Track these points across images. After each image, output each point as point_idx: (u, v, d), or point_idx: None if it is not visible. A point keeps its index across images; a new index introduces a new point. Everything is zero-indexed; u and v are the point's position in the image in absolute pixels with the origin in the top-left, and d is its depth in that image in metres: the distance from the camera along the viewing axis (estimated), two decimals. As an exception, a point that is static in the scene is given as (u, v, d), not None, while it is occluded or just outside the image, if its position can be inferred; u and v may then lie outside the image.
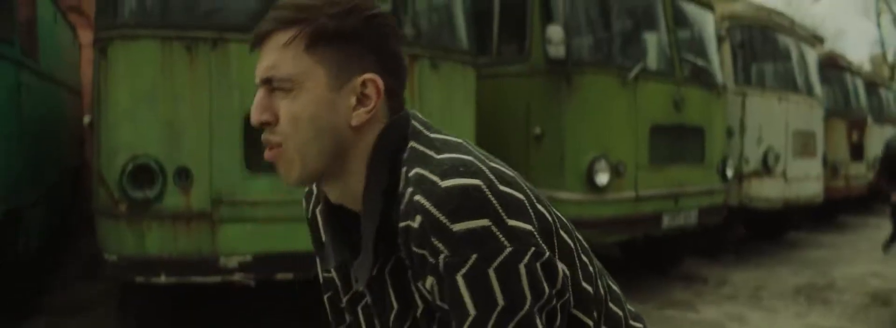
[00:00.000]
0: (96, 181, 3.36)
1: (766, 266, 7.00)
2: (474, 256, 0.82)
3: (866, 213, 12.56)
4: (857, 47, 52.30)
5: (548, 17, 4.70)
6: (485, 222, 0.82)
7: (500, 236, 0.83)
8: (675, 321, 4.77)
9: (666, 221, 5.23)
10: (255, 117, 0.94)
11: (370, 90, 0.93)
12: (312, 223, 1.13)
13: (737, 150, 6.74)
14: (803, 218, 9.55)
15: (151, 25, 3.31)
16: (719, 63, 6.29)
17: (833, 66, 10.23)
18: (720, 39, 6.51)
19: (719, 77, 6.13)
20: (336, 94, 0.92)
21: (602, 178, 4.71)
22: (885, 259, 7.47)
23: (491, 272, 0.82)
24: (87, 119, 3.62)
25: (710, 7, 6.14)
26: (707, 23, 6.12)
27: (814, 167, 8.31)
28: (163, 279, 3.15)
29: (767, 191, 7.13)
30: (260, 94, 0.94)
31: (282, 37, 0.92)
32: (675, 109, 5.29)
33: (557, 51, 4.36)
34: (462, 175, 0.84)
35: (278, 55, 0.92)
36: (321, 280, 1.17)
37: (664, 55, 5.39)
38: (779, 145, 7.25)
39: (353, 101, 0.92)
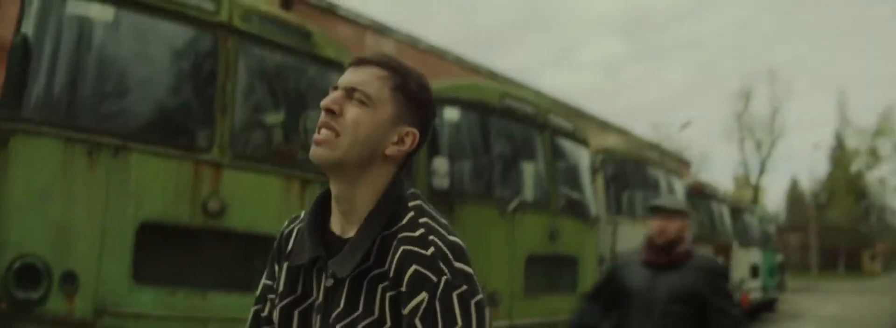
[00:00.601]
0: None
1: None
2: (465, 287, 1.19)
3: None
4: (722, 169, 57.49)
5: (432, 149, 5.11)
6: (471, 270, 1.23)
7: (477, 283, 1.23)
8: None
9: (541, 349, 5.54)
10: (331, 104, 1.26)
11: (408, 139, 1.28)
12: (283, 238, 1.40)
13: (607, 275, 7.25)
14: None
15: (56, 124, 3.29)
16: (592, 194, 6.91)
17: (699, 195, 11.26)
18: (594, 171, 7.18)
19: (592, 208, 6.73)
20: (389, 127, 1.27)
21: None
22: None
23: (472, 302, 1.19)
24: None
25: (585, 142, 6.82)
26: (582, 157, 6.78)
27: (679, 291, 8.97)
28: None
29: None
30: (339, 93, 1.27)
31: (379, 71, 1.28)
32: (550, 240, 5.77)
33: (442, 182, 4.78)
34: (458, 238, 1.25)
35: (371, 79, 1.27)
36: (258, 293, 1.42)
37: (541, 187, 5.92)
38: (647, 270, 7.85)
39: (395, 138, 1.27)
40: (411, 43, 15.94)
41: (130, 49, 3.59)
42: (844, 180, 48.32)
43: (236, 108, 3.64)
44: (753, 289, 14.33)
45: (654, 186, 8.74)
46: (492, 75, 15.14)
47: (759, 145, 48.89)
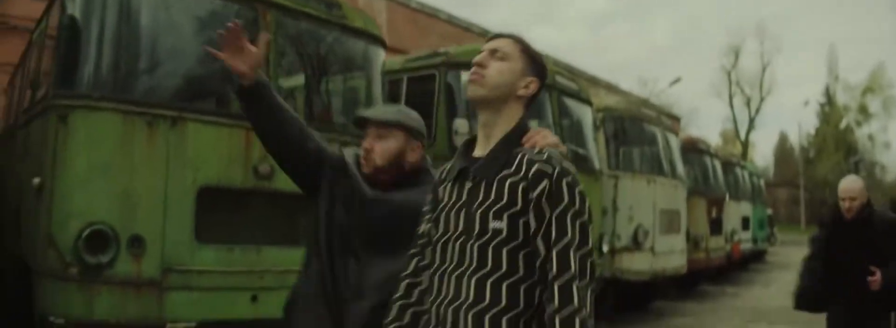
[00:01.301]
0: (43, 243, 3.45)
1: (637, 332, 7.92)
2: (571, 177, 1.64)
3: (724, 282, 14.03)
4: (710, 124, 57.53)
5: (452, 110, 5.48)
6: (574, 169, 1.68)
7: (578, 179, 1.67)
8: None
9: (549, 292, 5.99)
10: (480, 60, 1.76)
11: (532, 85, 1.78)
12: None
13: (610, 227, 7.71)
14: (669, 288, 10.73)
15: (112, 98, 3.51)
16: (595, 150, 7.31)
17: (693, 150, 11.71)
18: (596, 129, 7.58)
19: (596, 163, 7.14)
20: (521, 75, 1.76)
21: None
22: (746, 324, 8.58)
23: (577, 188, 1.64)
24: (36, 181, 3.64)
25: (588, 102, 7.20)
26: (586, 115, 7.17)
27: (678, 242, 9.49)
28: None
29: (637, 264, 8.15)
30: (485, 53, 1.76)
31: (510, 40, 1.81)
32: (559, 192, 6.16)
33: (462, 141, 5.13)
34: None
35: (506, 43, 1.79)
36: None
37: (550, 145, 6.30)
38: (648, 223, 8.33)
39: (524, 83, 1.76)
40: (403, 1, 16.07)
41: (176, 23, 3.86)
42: (833, 136, 49.08)
43: (279, 77, 3.96)
44: (744, 241, 14.92)
45: (651, 142, 9.16)
46: (484, 33, 15.35)
47: (748, 101, 49.61)
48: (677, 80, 29.56)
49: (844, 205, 4.17)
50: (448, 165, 1.85)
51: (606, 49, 72.53)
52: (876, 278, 3.93)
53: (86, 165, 3.44)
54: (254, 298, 3.77)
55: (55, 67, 3.72)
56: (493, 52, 1.76)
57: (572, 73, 7.02)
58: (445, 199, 1.78)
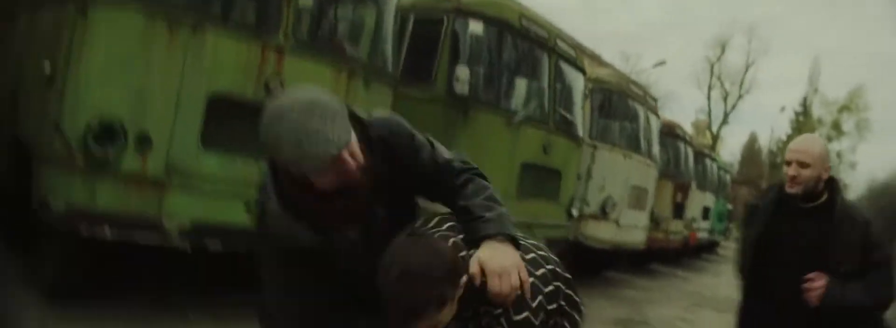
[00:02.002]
0: (50, 131, 3.53)
1: (588, 297, 8.22)
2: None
3: (676, 266, 14.61)
4: (685, 111, 58.14)
5: (455, 57, 5.67)
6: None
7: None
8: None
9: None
10: None
11: None
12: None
13: (581, 193, 8.03)
14: (623, 260, 11.20)
15: None
16: (581, 117, 7.59)
17: (671, 134, 12.08)
18: (585, 98, 7.84)
19: (580, 130, 7.42)
20: None
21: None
22: (692, 308, 9.04)
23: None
24: (47, 67, 3.66)
25: (583, 70, 7.44)
26: (578, 82, 7.42)
27: (642, 218, 9.90)
28: (107, 233, 3.51)
29: (601, 232, 8.52)
30: None
31: None
32: (543, 152, 6.46)
33: (463, 88, 5.36)
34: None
35: None
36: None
37: (542, 105, 6.56)
38: (617, 195, 8.68)
39: None
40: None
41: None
42: (803, 146, 50.00)
43: (302, 0, 4.11)
44: (702, 230, 15.47)
45: (633, 119, 9.47)
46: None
47: (726, 96, 50.45)
48: (662, 63, 29.89)
49: (788, 171, 2.82)
50: None
51: (595, 19, 72.26)
52: (817, 286, 2.75)
53: (103, 59, 3.50)
54: (248, 207, 3.95)
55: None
56: None
57: (570, 41, 7.21)
58: None
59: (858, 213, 2.83)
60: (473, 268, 1.69)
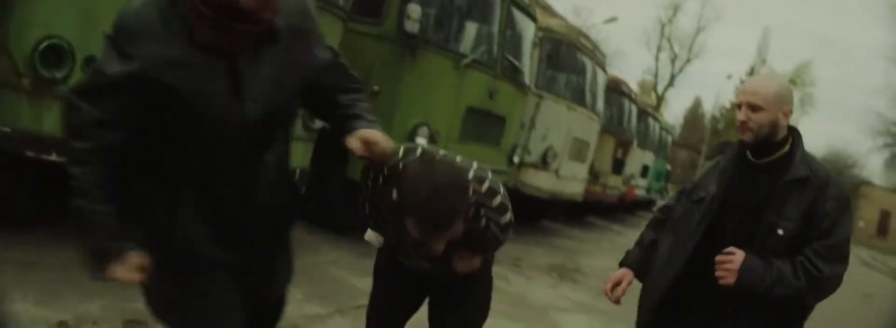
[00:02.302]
0: None
1: (524, 244, 8.68)
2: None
3: (611, 220, 15.19)
4: (632, 70, 59.24)
5: (407, -5, 5.73)
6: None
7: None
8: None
9: (459, 188, 6.53)
10: None
11: None
12: None
13: (522, 141, 8.27)
14: (559, 211, 11.62)
15: None
16: (529, 66, 7.77)
17: (617, 91, 12.40)
18: (534, 46, 8.01)
19: (526, 78, 7.61)
20: None
21: (420, 142, 5.87)
22: (622, 258, 9.49)
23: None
24: None
25: (534, 19, 7.59)
26: (529, 30, 7.57)
27: (582, 171, 10.26)
28: (54, 157, 3.45)
29: (541, 181, 8.82)
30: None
31: None
32: (488, 97, 6.64)
33: (413, 26, 5.45)
34: None
35: None
36: None
37: (491, 50, 6.70)
38: (558, 146, 8.97)
39: None
40: None
41: None
42: (746, 115, 51.63)
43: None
44: (639, 187, 16.04)
45: (580, 72, 9.70)
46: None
47: (674, 58, 51.45)
48: (613, 19, 30.24)
49: (738, 116, 2.38)
50: None
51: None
52: (731, 259, 2.27)
53: None
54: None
55: None
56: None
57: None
58: None
59: (821, 171, 2.34)
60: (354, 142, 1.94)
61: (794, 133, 2.40)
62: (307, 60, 1.92)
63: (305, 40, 1.90)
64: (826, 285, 2.27)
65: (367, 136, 1.93)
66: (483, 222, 2.19)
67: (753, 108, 2.30)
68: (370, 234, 2.41)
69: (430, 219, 1.87)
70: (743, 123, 2.33)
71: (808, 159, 2.37)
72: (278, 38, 1.77)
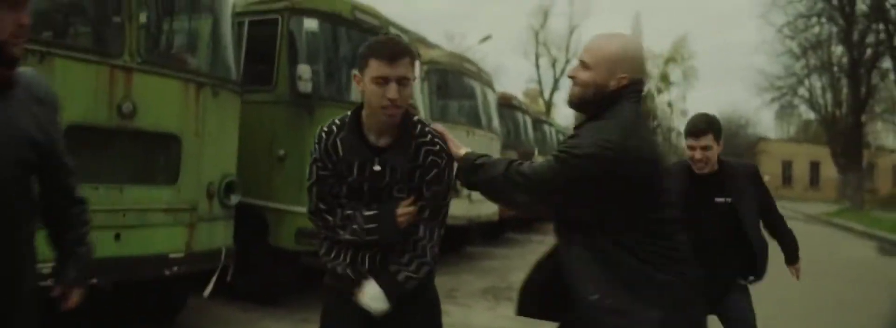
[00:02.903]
0: None
1: (454, 273, 9.03)
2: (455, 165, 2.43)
3: (530, 232, 15.75)
4: (515, 82, 61.46)
5: (293, 56, 6.01)
6: None
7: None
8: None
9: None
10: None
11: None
12: (330, 146, 2.42)
13: (433, 174, 8.60)
14: (478, 234, 12.05)
15: None
16: (420, 100, 8.16)
17: (508, 106, 13.01)
18: (422, 81, 8.41)
19: (421, 112, 7.99)
20: None
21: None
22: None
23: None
24: None
25: (416, 54, 7.97)
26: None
27: (492, 191, 10.66)
28: None
29: (456, 209, 9.13)
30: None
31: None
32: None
33: (306, 86, 5.72)
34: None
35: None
36: (315, 177, 2.46)
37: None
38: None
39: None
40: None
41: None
42: (635, 101, 54.22)
43: (141, 17, 4.30)
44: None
45: (470, 96, 10.20)
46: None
47: (554, 62, 53.54)
48: (488, 38, 31.48)
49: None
50: (335, 136, 2.43)
51: (414, 1, 74.03)
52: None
53: None
54: (117, 236, 4.14)
55: None
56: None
57: (401, 28, 7.71)
58: (355, 173, 2.43)
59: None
60: None
61: (619, 95, 2.25)
62: (47, 123, 1.99)
63: (48, 108, 2.01)
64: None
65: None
66: (425, 157, 2.42)
67: (583, 65, 2.29)
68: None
69: (388, 49, 2.25)
70: (570, 80, 2.43)
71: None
72: (14, 86, 1.86)
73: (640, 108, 2.27)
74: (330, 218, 2.45)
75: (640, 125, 2.23)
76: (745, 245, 3.53)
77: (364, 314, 2.41)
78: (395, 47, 2.27)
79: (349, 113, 2.43)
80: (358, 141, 2.38)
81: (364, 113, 2.40)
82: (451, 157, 2.45)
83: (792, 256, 3.87)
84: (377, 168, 2.37)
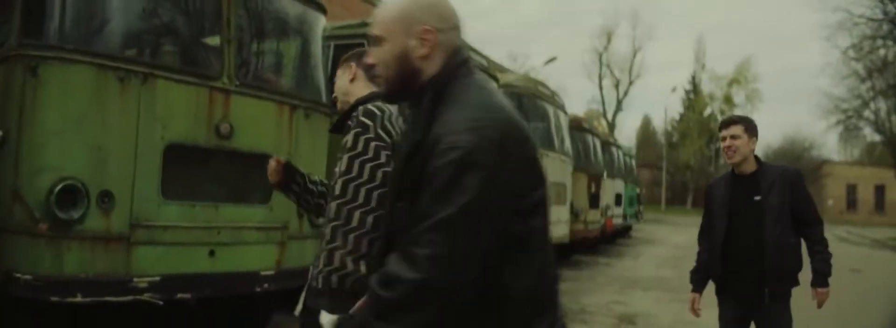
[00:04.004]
0: (9, 198, 3.55)
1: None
2: None
3: (596, 254, 15.43)
4: (577, 103, 61.07)
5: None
6: None
7: None
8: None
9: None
10: None
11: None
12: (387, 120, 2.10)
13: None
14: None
15: (87, 52, 3.61)
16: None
17: (578, 128, 12.83)
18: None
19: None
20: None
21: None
22: (622, 290, 9.73)
23: None
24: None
25: (495, 78, 7.94)
26: (492, 89, 7.89)
27: (564, 213, 10.53)
28: (79, 298, 3.49)
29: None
30: None
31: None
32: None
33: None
34: None
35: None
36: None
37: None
38: (540, 194, 9.21)
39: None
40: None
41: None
42: (697, 123, 53.34)
43: (240, 41, 4.34)
44: (616, 216, 16.40)
45: (544, 118, 10.07)
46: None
47: (617, 83, 53.04)
48: (553, 59, 31.34)
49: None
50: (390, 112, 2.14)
51: (477, 19, 74.54)
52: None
53: (58, 119, 3.55)
54: (211, 253, 4.15)
55: (19, 15, 3.73)
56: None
57: (478, 52, 7.68)
58: None
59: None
60: None
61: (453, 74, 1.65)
62: None
63: None
64: None
65: None
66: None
67: (375, 41, 1.71)
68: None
69: None
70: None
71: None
72: None
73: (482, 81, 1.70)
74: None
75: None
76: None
77: None
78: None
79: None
80: None
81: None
82: None
83: (817, 279, 3.65)
84: None
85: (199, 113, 4.08)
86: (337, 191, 2.09)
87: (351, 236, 2.05)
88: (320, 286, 2.10)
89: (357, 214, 2.06)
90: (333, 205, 2.09)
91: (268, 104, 4.47)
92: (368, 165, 2.07)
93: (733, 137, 3.63)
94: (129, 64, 3.80)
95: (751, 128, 3.67)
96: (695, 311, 3.81)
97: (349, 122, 2.16)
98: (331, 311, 2.01)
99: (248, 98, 4.33)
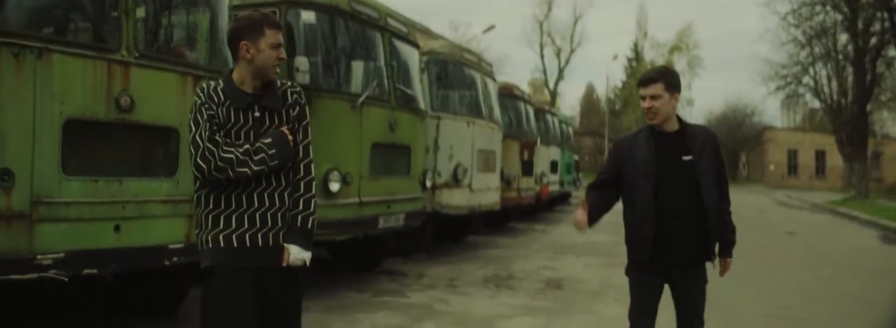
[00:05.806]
0: None
1: (455, 262, 9.12)
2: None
3: (533, 221, 15.83)
4: (521, 72, 61.39)
5: (291, 48, 6.06)
6: None
7: None
8: (390, 304, 6.42)
9: (381, 223, 6.92)
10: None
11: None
12: (211, 93, 2.87)
13: (431, 164, 8.72)
14: (481, 223, 12.13)
15: None
16: (421, 91, 8.22)
17: (510, 96, 13.04)
18: (422, 71, 8.47)
19: (422, 103, 8.05)
20: None
21: (334, 186, 6.22)
22: (554, 256, 10.07)
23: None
24: None
25: (416, 45, 8.04)
26: (413, 58, 8.02)
27: (493, 180, 10.79)
28: None
29: (456, 199, 9.28)
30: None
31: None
32: (390, 130, 7.04)
33: (304, 78, 5.78)
34: None
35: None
36: (209, 120, 2.80)
37: (382, 84, 7.10)
38: (466, 161, 9.46)
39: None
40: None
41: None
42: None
43: (137, 12, 4.36)
44: (552, 183, 16.77)
45: (471, 86, 10.24)
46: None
47: (559, 52, 53.53)
48: (491, 28, 31.49)
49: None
50: (215, 87, 2.89)
51: (419, -10, 74.03)
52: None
53: None
54: (116, 228, 4.21)
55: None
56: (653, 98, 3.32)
57: (400, 18, 7.76)
58: (240, 120, 2.86)
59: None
60: None
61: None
62: None
63: None
64: None
65: None
66: (292, 96, 3.00)
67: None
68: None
69: (274, 20, 2.89)
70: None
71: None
72: None
73: None
74: (231, 155, 2.76)
75: None
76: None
77: (251, 287, 2.85)
78: (276, 19, 2.96)
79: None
80: (237, 90, 2.87)
81: (241, 73, 2.89)
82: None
83: (726, 249, 3.69)
84: (257, 114, 2.86)
85: (97, 86, 4.10)
86: (301, 155, 2.95)
87: (313, 187, 2.97)
88: (299, 226, 2.91)
89: (312, 168, 3.00)
90: (301, 165, 2.94)
91: (170, 75, 4.52)
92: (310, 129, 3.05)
93: (654, 97, 3.51)
94: (24, 39, 3.78)
95: (672, 83, 3.56)
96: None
97: (295, 97, 2.99)
98: (305, 248, 2.92)
99: (149, 70, 4.37)
